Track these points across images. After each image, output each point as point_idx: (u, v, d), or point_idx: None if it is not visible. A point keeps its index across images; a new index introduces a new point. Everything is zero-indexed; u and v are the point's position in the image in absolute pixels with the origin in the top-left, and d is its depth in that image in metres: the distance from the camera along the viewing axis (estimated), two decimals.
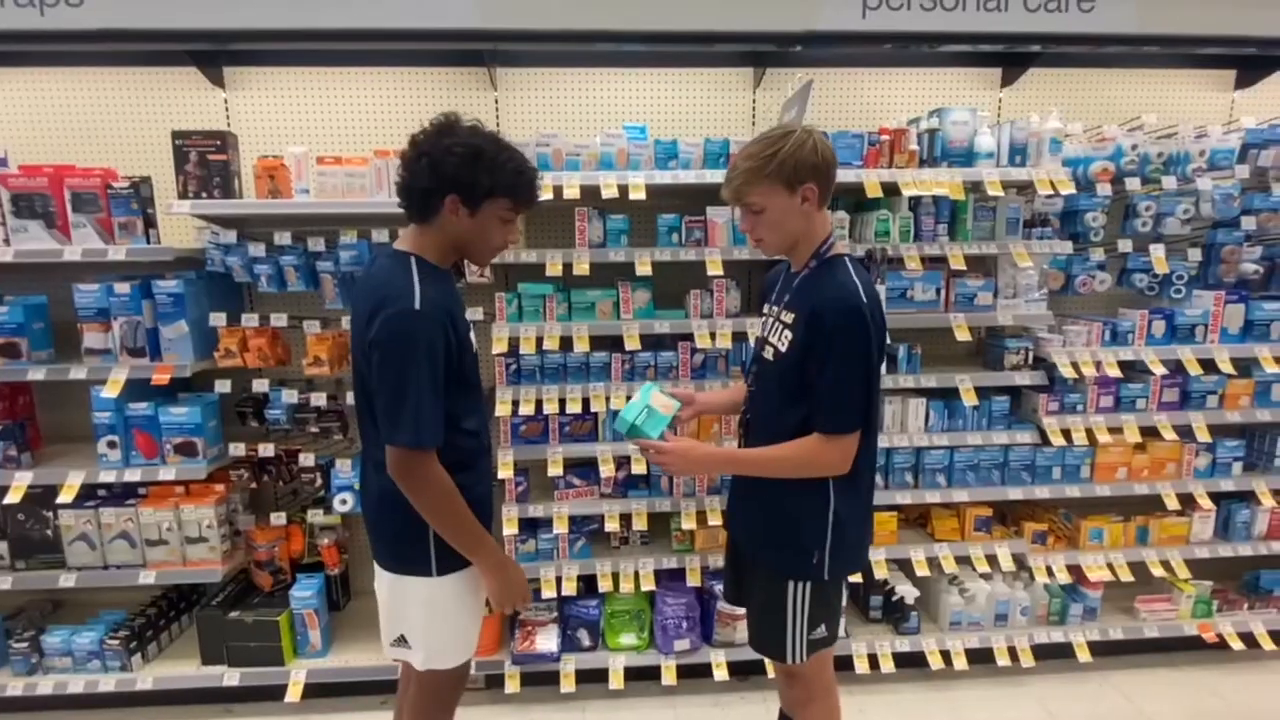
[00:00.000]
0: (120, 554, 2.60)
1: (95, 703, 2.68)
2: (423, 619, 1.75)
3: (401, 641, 1.80)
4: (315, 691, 2.68)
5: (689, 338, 2.67)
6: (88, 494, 2.59)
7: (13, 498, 2.49)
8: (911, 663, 2.87)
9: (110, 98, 2.79)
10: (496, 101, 2.91)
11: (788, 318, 1.68)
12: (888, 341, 1.67)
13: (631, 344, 2.62)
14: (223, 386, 2.62)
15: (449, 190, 1.58)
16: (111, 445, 2.52)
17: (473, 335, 1.75)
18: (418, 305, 1.53)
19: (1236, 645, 2.96)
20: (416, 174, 1.58)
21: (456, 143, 1.56)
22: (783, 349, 1.67)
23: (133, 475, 2.53)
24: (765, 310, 1.84)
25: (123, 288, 2.46)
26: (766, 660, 2.73)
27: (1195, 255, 2.86)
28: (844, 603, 1.90)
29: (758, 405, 1.81)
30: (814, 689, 1.86)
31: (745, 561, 1.89)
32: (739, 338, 2.69)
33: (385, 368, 1.55)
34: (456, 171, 1.55)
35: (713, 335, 2.64)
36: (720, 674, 2.74)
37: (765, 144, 1.60)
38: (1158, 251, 2.81)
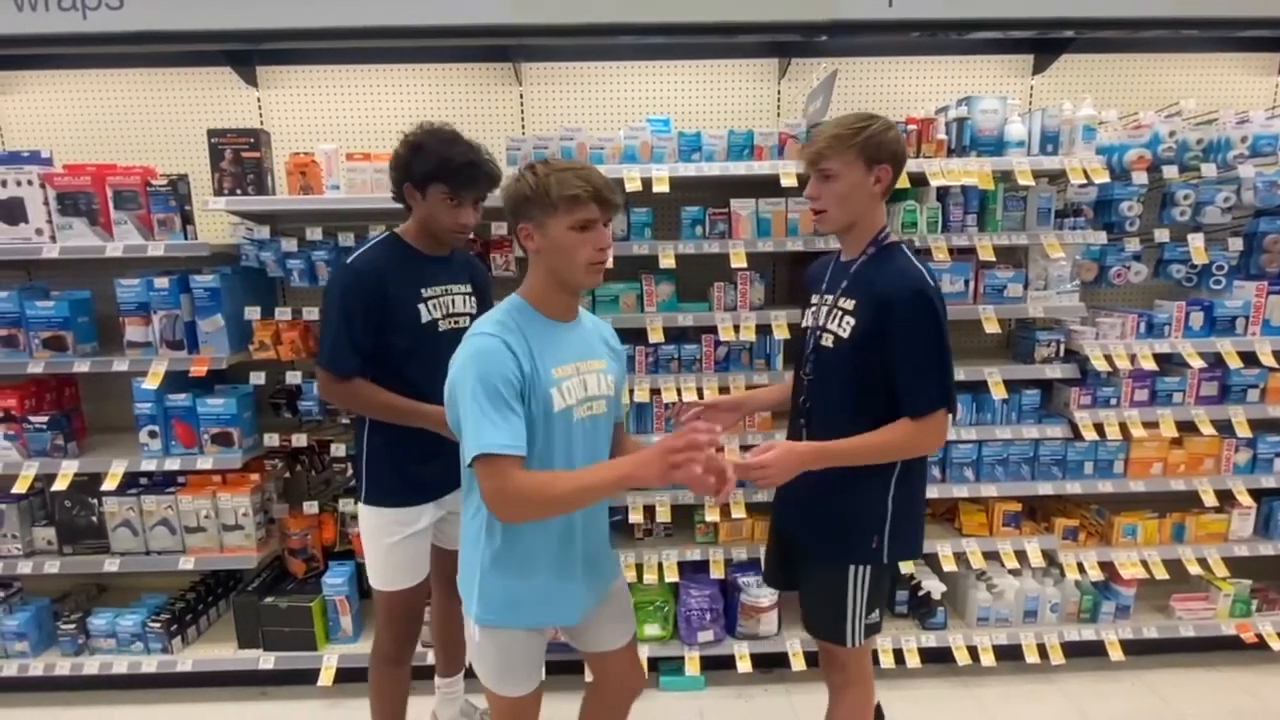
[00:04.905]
0: (161, 540, 2.69)
1: (138, 683, 2.78)
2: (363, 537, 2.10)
3: None
4: (347, 676, 2.74)
5: (713, 330, 2.67)
6: (130, 482, 2.68)
7: (60, 485, 2.59)
8: (937, 658, 2.84)
9: (149, 98, 2.88)
10: (521, 96, 2.93)
11: (848, 304, 1.72)
12: None
13: (655, 337, 2.63)
14: (257, 378, 2.69)
15: (404, 179, 1.93)
16: (152, 435, 2.61)
17: (424, 306, 2.00)
18: (349, 260, 1.95)
19: (1276, 646, 2.87)
20: (390, 169, 1.97)
21: (409, 138, 1.91)
22: (844, 335, 1.71)
23: (172, 464, 2.61)
24: (816, 300, 1.85)
25: (162, 283, 2.54)
26: (790, 653, 2.76)
27: (1236, 245, 2.78)
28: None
29: (818, 393, 1.81)
30: (853, 674, 1.90)
31: (797, 550, 1.90)
32: (763, 330, 2.68)
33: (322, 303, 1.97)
34: (403, 162, 1.91)
35: (736, 328, 2.63)
36: (744, 666, 2.75)
37: (856, 118, 1.67)
38: (1196, 241, 2.73)
